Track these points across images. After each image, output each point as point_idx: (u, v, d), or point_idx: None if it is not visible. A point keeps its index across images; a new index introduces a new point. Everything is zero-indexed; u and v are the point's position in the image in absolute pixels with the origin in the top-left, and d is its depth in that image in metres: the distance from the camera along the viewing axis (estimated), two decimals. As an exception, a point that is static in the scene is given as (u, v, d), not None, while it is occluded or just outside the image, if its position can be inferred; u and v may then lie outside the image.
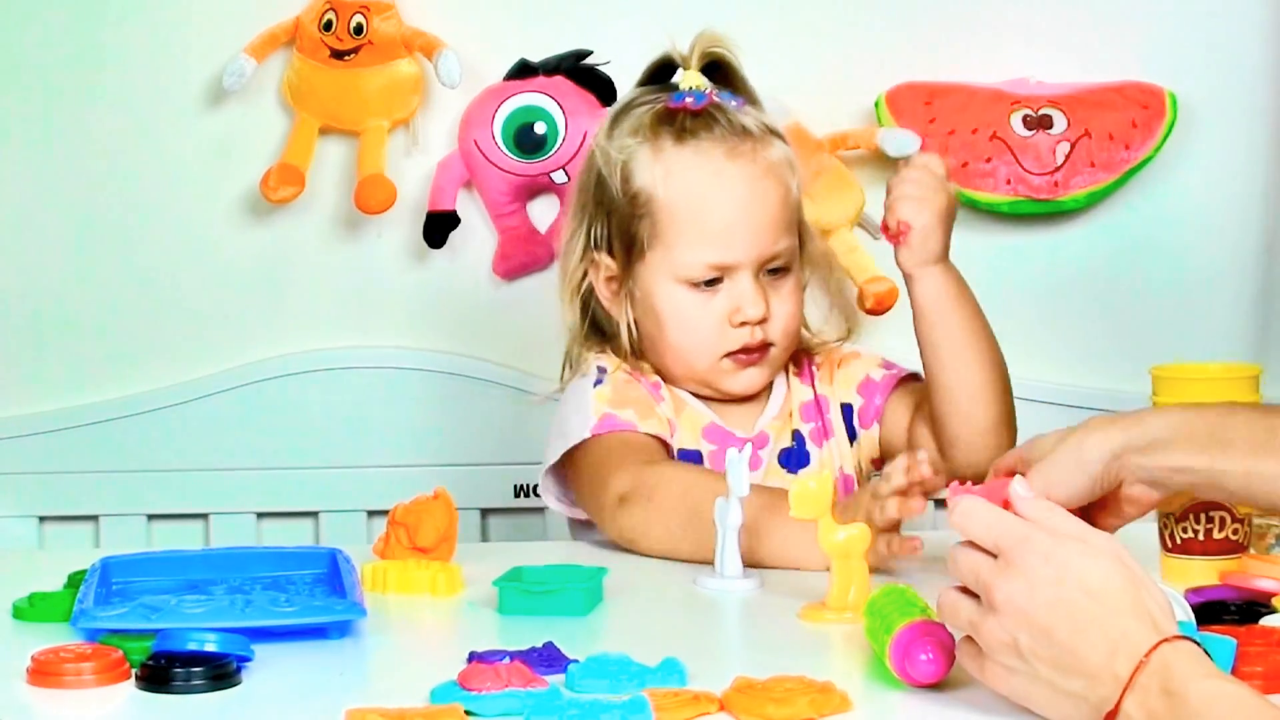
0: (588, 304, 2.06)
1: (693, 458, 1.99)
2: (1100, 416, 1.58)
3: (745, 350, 1.99)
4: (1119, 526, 1.57)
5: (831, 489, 1.63)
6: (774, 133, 2.01)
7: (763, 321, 1.98)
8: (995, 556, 1.30)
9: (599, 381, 2.01)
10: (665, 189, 1.98)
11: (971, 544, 1.32)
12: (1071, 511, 1.35)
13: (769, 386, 2.04)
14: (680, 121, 1.99)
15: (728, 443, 2.00)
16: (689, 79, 2.02)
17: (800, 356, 2.08)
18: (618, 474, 1.89)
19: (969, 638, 1.32)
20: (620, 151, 2.00)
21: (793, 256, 2.01)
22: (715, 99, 2.00)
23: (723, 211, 1.97)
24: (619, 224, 2.01)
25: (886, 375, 2.06)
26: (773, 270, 1.99)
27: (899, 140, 2.44)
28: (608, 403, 1.98)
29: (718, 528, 1.73)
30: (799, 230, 2.04)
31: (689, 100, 1.99)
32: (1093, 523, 1.45)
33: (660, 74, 2.06)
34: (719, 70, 2.04)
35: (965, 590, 1.32)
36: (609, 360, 2.03)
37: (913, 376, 2.06)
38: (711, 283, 1.98)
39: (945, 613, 1.34)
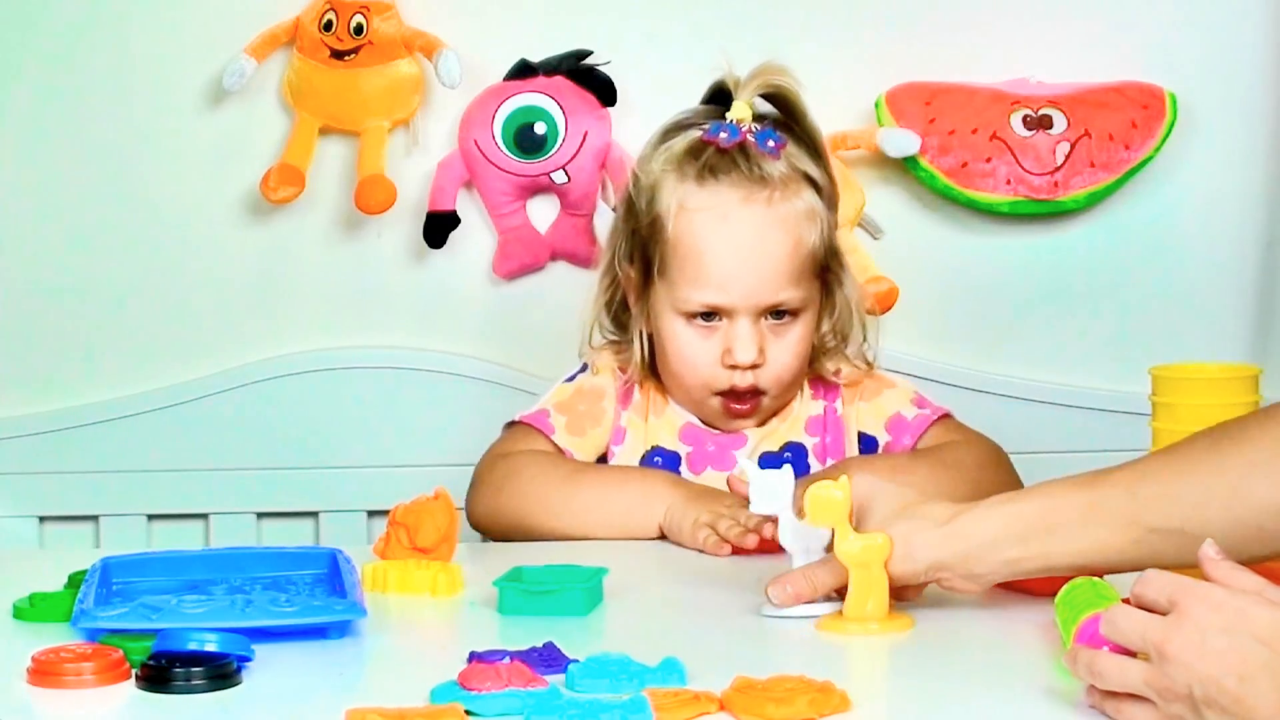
0: (615, 301, 2.08)
1: (670, 458, 2.01)
2: (922, 504, 1.57)
3: (735, 392, 1.99)
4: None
5: (850, 496, 1.60)
6: (807, 178, 2.00)
7: (754, 367, 1.98)
8: (1159, 613, 1.28)
9: (573, 377, 2.07)
10: (676, 223, 1.98)
11: (1131, 604, 1.30)
12: None
13: None
14: (707, 158, 1.98)
15: (703, 443, 2.01)
16: (736, 110, 2.01)
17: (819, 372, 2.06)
18: (489, 458, 2.02)
19: (1136, 702, 1.28)
20: (648, 176, 2.01)
21: (802, 305, 1.99)
22: (749, 138, 1.98)
23: (723, 256, 1.97)
24: (640, 242, 2.02)
25: (919, 415, 2.04)
26: (779, 314, 1.99)
27: (899, 140, 2.43)
28: (557, 402, 2.05)
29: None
30: (827, 278, 2.03)
31: (721, 136, 1.98)
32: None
33: (719, 97, 2.04)
34: (779, 102, 2.03)
35: (1125, 652, 1.30)
36: (604, 361, 2.05)
37: (945, 416, 2.05)
38: (709, 318, 1.98)
39: (1112, 677, 1.29)
